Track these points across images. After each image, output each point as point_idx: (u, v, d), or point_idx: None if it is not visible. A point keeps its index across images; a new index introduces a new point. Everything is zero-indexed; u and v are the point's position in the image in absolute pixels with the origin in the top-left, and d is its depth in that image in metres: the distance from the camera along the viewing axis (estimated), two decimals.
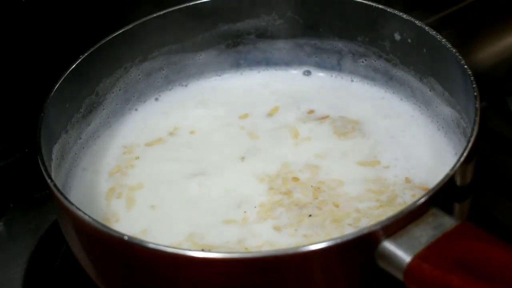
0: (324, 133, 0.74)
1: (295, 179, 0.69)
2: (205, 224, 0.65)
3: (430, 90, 0.74)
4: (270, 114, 0.77)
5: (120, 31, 0.74)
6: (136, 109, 0.79)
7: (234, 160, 0.72)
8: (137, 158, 0.73)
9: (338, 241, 0.53)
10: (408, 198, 0.66)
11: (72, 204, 0.58)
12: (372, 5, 0.75)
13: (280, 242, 0.63)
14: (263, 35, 0.81)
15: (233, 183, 0.69)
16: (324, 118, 0.76)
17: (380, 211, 0.65)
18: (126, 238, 0.55)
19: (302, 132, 0.74)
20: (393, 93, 0.78)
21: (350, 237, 0.53)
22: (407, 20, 0.73)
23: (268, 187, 0.68)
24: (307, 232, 0.64)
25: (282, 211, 0.66)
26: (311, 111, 0.77)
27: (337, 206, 0.65)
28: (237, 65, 0.82)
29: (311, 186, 0.68)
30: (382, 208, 0.65)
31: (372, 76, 0.79)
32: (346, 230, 0.63)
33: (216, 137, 0.75)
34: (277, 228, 0.64)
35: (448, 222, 0.55)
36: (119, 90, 0.77)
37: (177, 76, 0.81)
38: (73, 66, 0.71)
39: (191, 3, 0.77)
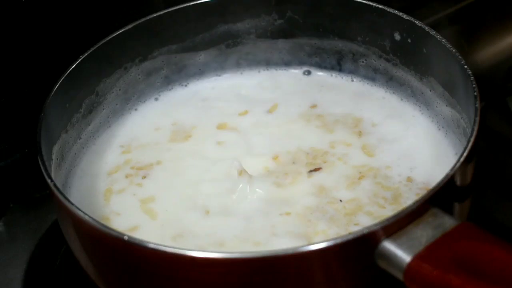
0: (325, 126, 0.74)
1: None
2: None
3: (430, 90, 0.74)
4: (270, 111, 0.77)
5: (120, 31, 0.74)
6: (136, 109, 0.79)
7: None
8: (139, 157, 0.73)
9: (338, 241, 0.53)
10: (412, 197, 0.66)
11: (72, 204, 0.58)
12: (372, 5, 0.75)
13: None
14: (263, 35, 0.81)
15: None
16: (323, 115, 0.76)
17: (384, 210, 0.65)
18: (126, 238, 0.55)
19: (305, 123, 0.75)
20: (393, 93, 0.78)
21: (350, 237, 0.53)
22: (407, 20, 0.73)
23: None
24: None
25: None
26: (313, 106, 0.77)
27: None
28: (237, 65, 0.82)
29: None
30: (384, 208, 0.65)
31: (372, 76, 0.79)
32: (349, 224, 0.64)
33: (214, 135, 0.75)
34: None
35: (448, 222, 0.55)
36: (119, 90, 0.77)
37: (177, 76, 0.81)
38: (73, 66, 0.71)
39: (191, 3, 0.77)
